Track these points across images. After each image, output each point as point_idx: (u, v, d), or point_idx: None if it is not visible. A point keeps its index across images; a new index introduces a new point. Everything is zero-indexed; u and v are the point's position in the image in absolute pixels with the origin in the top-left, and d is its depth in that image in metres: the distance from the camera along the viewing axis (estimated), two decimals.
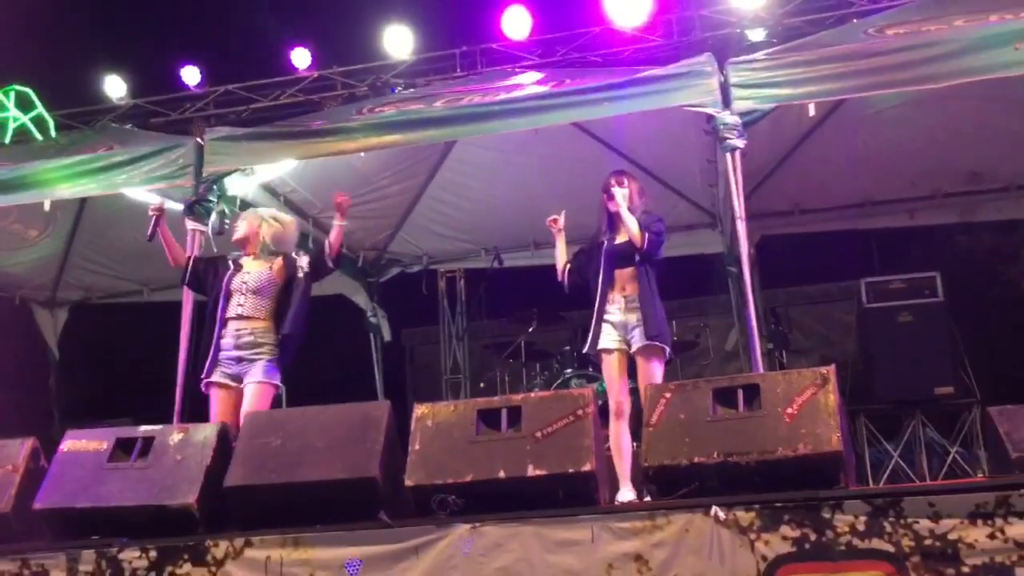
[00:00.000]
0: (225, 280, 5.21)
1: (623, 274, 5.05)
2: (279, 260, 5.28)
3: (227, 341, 5.10)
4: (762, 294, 8.01)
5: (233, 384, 5.09)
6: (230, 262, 5.31)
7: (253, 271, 5.24)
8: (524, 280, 8.82)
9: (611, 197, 5.07)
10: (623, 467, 4.86)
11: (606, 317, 5.03)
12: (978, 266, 8.46)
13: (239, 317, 5.12)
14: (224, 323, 5.13)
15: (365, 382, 8.95)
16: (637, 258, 4.99)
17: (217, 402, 5.08)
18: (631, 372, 5.02)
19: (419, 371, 11.37)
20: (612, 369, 5.02)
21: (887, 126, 6.77)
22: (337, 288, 8.84)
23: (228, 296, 5.17)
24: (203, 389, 5.14)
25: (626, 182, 5.16)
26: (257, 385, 5.01)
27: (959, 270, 7.78)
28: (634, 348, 4.95)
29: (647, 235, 4.96)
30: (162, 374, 6.05)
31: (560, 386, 7.56)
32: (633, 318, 4.96)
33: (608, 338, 5.01)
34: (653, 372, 4.88)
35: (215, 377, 5.08)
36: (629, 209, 5.05)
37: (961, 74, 4.84)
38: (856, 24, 6.54)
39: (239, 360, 5.09)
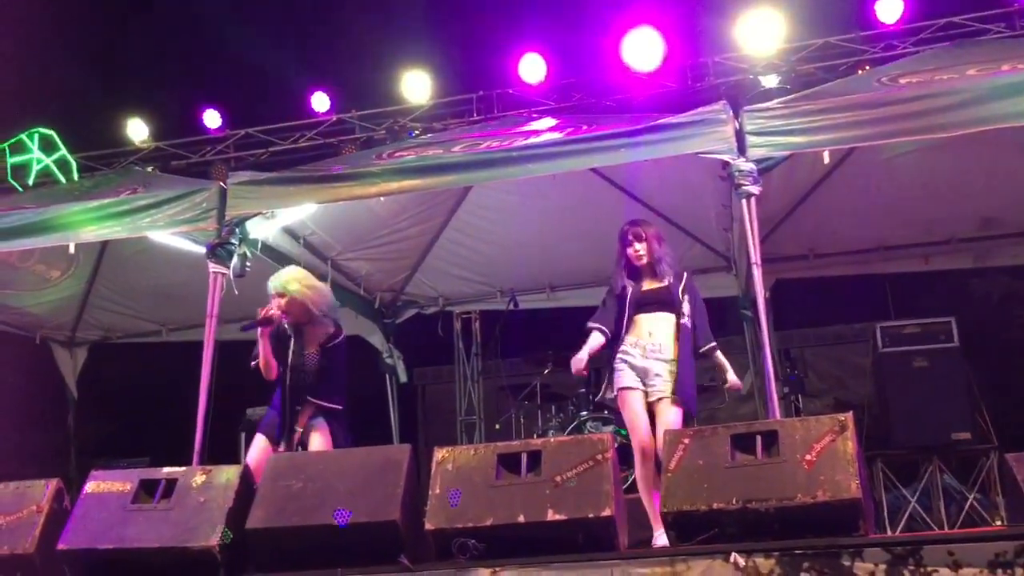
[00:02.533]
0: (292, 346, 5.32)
1: (649, 319, 5.09)
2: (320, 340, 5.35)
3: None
4: (776, 335, 8.02)
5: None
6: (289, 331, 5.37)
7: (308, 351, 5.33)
8: (540, 322, 8.88)
9: (635, 257, 5.16)
10: (654, 510, 4.79)
11: (627, 359, 5.05)
12: (994, 311, 8.48)
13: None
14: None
15: (380, 422, 8.98)
16: (686, 322, 5.07)
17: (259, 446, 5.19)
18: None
19: (431, 410, 11.42)
20: (634, 407, 5.00)
21: (900, 172, 6.82)
22: (354, 329, 8.89)
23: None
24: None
25: (643, 234, 5.22)
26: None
27: (975, 315, 7.79)
28: (652, 399, 4.97)
29: (709, 343, 5.13)
30: (179, 414, 6.11)
31: (575, 429, 7.57)
32: (655, 367, 4.99)
33: (629, 378, 5.02)
34: (671, 424, 4.87)
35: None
36: (655, 258, 5.15)
37: (973, 123, 4.89)
38: (869, 73, 6.64)
39: None
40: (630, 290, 5.17)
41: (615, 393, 5.08)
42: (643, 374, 5.01)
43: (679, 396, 4.93)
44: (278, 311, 5.17)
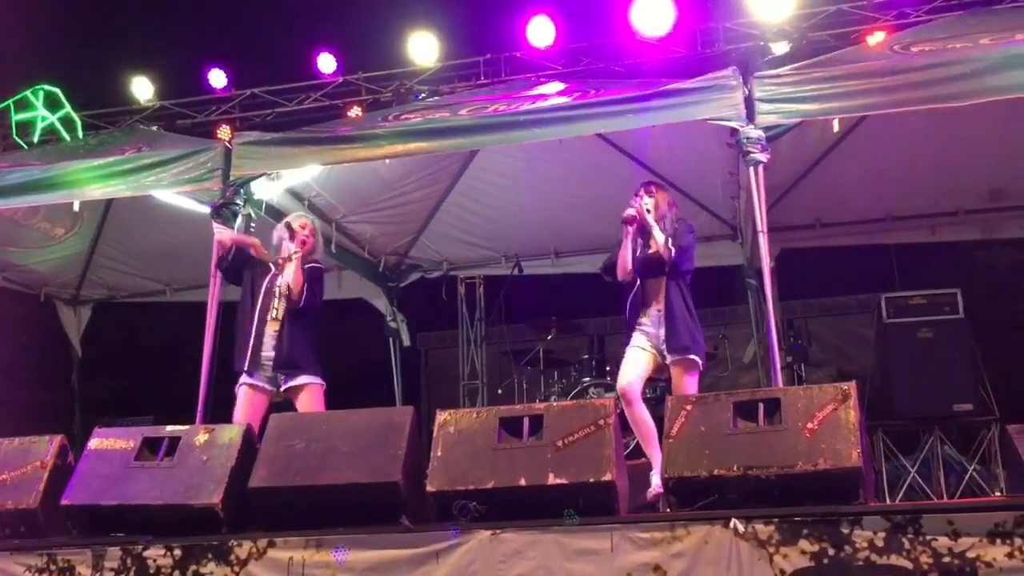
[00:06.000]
0: (268, 279, 5.41)
1: (653, 284, 5.15)
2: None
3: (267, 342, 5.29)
4: (780, 304, 8.01)
5: (271, 388, 5.32)
6: (271, 265, 5.52)
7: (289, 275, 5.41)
8: (543, 288, 8.88)
9: (633, 215, 5.18)
10: (651, 449, 4.90)
11: (640, 328, 5.14)
12: (999, 283, 8.43)
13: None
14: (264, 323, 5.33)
15: (383, 386, 9.01)
16: (666, 270, 5.08)
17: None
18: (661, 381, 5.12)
19: (434, 375, 11.42)
20: (633, 359, 5.09)
21: (910, 142, 6.77)
22: (358, 292, 8.91)
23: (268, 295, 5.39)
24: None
25: (653, 190, 5.28)
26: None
27: (980, 287, 7.75)
28: (667, 360, 5.04)
29: (672, 247, 5.05)
30: (183, 373, 6.14)
31: (578, 394, 7.59)
32: (663, 331, 5.06)
33: (641, 340, 5.11)
34: (686, 386, 4.96)
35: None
36: (659, 216, 5.19)
37: (985, 93, 4.84)
38: (882, 40, 6.57)
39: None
40: (638, 251, 5.22)
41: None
42: (655, 339, 5.09)
43: (682, 349, 4.96)
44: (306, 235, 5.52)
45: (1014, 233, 7.80)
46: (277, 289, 5.39)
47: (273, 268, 5.49)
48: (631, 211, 5.16)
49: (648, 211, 5.17)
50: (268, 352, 5.29)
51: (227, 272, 5.61)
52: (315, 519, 4.09)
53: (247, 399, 5.28)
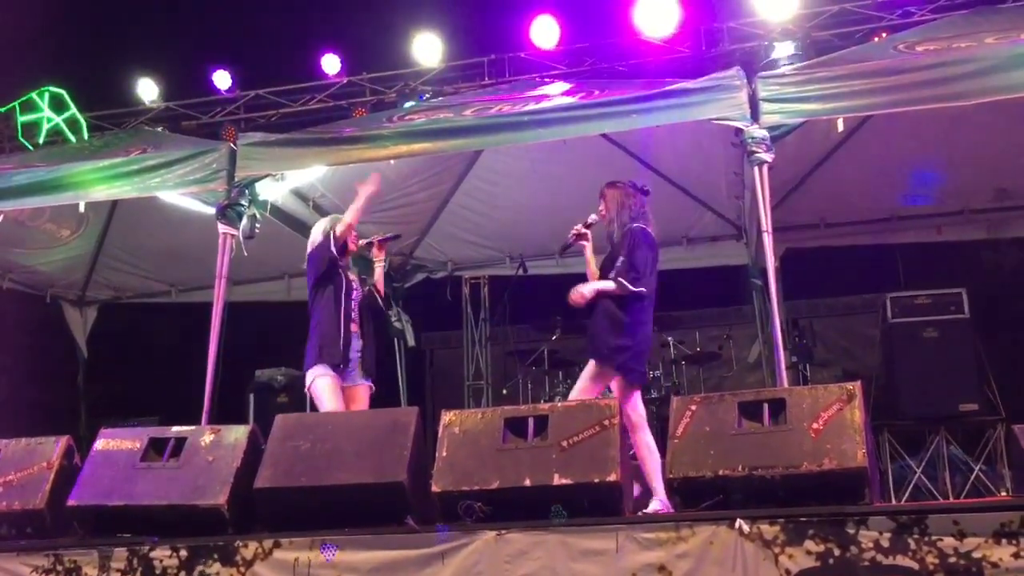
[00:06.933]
0: (345, 279, 5.53)
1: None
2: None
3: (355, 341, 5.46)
4: (785, 304, 8.01)
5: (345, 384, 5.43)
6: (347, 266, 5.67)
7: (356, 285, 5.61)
8: (548, 288, 8.85)
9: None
10: (652, 473, 4.83)
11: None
12: (1005, 283, 8.41)
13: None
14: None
15: (388, 386, 9.00)
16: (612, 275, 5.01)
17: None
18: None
19: (438, 375, 11.44)
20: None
21: (915, 142, 6.76)
22: None
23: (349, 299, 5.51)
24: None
25: (605, 192, 5.31)
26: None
27: (985, 286, 7.74)
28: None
29: (618, 282, 4.95)
30: (188, 374, 6.15)
31: None
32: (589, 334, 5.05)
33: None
34: (589, 389, 4.93)
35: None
36: (609, 219, 5.21)
37: (990, 92, 4.84)
38: (886, 39, 6.56)
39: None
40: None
41: None
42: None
43: (592, 353, 4.95)
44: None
45: (1020, 232, 7.81)
46: (355, 292, 5.52)
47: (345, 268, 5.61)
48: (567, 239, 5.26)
49: (590, 224, 5.27)
50: (356, 353, 5.39)
51: (338, 251, 5.54)
52: (320, 520, 4.10)
53: (338, 392, 5.26)
